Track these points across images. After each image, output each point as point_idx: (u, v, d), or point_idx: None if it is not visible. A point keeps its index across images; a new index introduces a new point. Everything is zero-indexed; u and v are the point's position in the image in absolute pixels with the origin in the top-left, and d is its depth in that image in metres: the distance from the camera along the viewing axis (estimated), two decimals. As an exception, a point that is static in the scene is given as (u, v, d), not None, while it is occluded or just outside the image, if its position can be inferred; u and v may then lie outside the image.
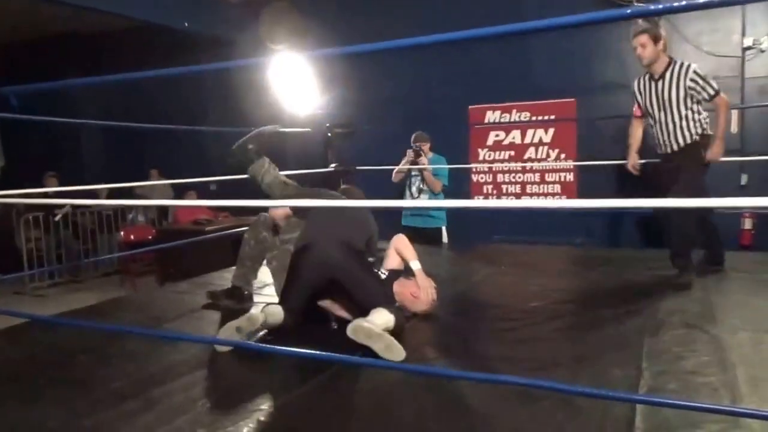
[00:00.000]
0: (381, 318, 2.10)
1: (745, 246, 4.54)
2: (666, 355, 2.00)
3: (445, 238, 4.38)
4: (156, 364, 2.07)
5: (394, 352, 1.99)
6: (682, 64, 2.84)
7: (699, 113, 2.89)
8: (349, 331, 2.02)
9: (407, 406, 1.69)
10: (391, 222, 3.95)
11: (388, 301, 2.26)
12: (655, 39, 2.80)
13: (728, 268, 3.18)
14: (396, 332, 2.12)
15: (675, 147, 2.95)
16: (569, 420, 1.56)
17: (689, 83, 2.81)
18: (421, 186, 4.19)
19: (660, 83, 2.88)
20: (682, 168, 2.87)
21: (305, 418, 1.65)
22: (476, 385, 1.75)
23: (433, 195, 4.20)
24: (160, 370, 2.01)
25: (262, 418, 1.63)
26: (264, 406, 1.70)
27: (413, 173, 4.25)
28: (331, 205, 2.58)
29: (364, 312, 2.16)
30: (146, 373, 1.98)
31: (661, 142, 3.01)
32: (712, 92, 2.82)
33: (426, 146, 4.24)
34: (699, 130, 2.89)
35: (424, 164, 4.13)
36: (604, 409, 1.59)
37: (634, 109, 3.14)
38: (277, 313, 2.19)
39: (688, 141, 2.90)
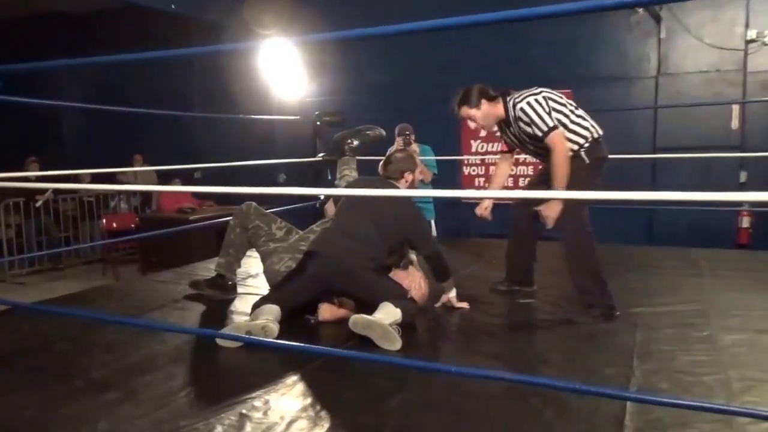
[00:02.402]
0: (386, 313, 2.13)
1: (742, 245, 4.56)
2: (658, 353, 1.99)
3: (434, 232, 4.35)
4: (137, 354, 2.02)
5: (391, 341, 2.04)
6: (515, 103, 2.43)
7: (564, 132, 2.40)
8: (351, 323, 2.09)
9: (393, 401, 1.66)
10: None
11: (394, 294, 2.24)
12: (475, 104, 2.45)
13: (725, 267, 3.18)
14: (405, 324, 2.17)
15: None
16: (558, 417, 1.55)
17: (521, 124, 2.43)
18: None
19: (510, 128, 2.55)
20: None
21: (289, 409, 1.61)
22: (464, 381, 1.73)
23: (423, 185, 4.16)
24: (141, 360, 1.96)
25: (244, 411, 1.59)
26: (247, 398, 1.67)
27: None
28: (357, 198, 2.48)
29: (371, 309, 2.17)
30: (127, 363, 1.94)
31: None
32: (544, 128, 2.35)
33: (412, 137, 4.22)
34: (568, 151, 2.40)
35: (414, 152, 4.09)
36: (594, 407, 1.58)
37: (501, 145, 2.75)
38: (276, 312, 2.18)
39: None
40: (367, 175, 2.93)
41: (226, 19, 5.89)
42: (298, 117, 5.43)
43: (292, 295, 2.27)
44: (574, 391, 1.56)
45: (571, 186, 2.32)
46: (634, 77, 5.05)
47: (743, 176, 4.62)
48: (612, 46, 5.09)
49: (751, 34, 4.56)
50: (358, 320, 2.07)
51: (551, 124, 2.37)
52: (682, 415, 1.50)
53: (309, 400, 1.67)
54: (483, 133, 5.57)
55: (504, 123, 2.57)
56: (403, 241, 2.48)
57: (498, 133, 2.73)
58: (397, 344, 2.04)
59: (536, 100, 2.40)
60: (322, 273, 2.27)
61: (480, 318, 2.43)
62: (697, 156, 4.12)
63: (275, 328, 2.09)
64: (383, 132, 3.02)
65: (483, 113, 2.50)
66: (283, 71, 5.76)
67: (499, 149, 2.79)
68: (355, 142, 2.93)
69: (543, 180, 2.55)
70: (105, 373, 1.85)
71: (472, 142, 5.62)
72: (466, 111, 2.52)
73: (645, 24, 4.95)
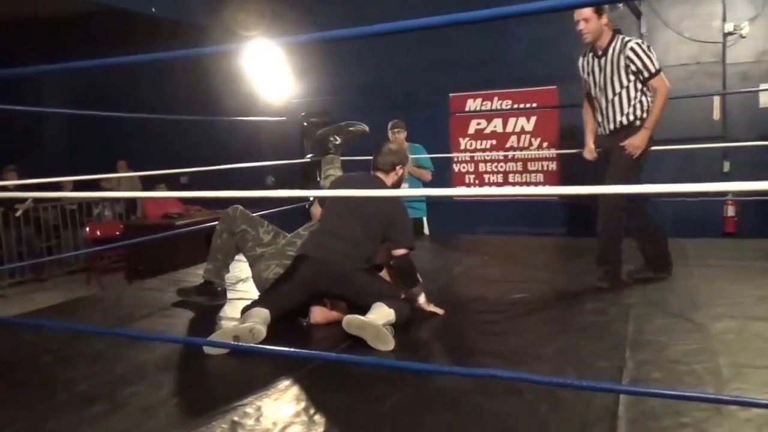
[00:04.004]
0: (379, 313, 2.11)
1: (728, 233, 4.62)
2: (649, 344, 2.00)
3: (426, 230, 4.36)
4: (123, 364, 1.98)
5: (384, 341, 2.02)
6: (623, 38, 2.61)
7: (643, 93, 2.61)
8: (344, 324, 2.07)
9: (388, 402, 1.64)
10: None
11: (387, 295, 2.22)
12: (599, 12, 2.58)
13: (712, 256, 3.21)
14: (399, 324, 2.15)
15: (611, 127, 2.67)
16: (553, 412, 1.55)
17: (628, 56, 2.55)
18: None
19: (603, 60, 2.65)
20: (612, 153, 2.62)
21: (282, 415, 1.58)
22: (458, 379, 1.73)
23: (419, 185, 4.20)
24: (128, 370, 1.92)
25: (236, 418, 1.56)
26: (238, 405, 1.64)
27: None
28: (342, 197, 2.46)
29: (365, 310, 2.15)
30: (113, 375, 1.90)
31: (600, 123, 2.74)
32: (652, 69, 2.55)
33: (402, 135, 4.23)
34: (638, 113, 2.61)
35: None
36: (587, 400, 1.59)
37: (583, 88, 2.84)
38: (267, 317, 2.14)
39: (624, 122, 2.62)
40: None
41: (209, 22, 5.82)
42: (284, 118, 5.38)
43: (283, 300, 2.24)
44: (565, 386, 1.58)
45: (629, 159, 2.57)
46: (617, 71, 5.10)
47: (727, 166, 4.69)
48: (594, 42, 5.13)
49: (729, 27, 4.64)
50: (351, 321, 2.05)
51: (658, 66, 2.58)
52: (675, 404, 1.51)
53: (302, 405, 1.64)
54: (471, 131, 5.59)
55: (596, 54, 2.68)
56: (384, 235, 2.42)
57: (580, 69, 2.82)
58: (390, 345, 2.02)
59: (648, 46, 2.61)
60: (313, 277, 2.24)
61: (472, 316, 2.43)
62: (681, 148, 4.17)
63: (263, 329, 2.06)
64: (366, 127, 2.98)
65: (599, 24, 2.60)
66: (267, 73, 5.72)
67: (583, 93, 2.89)
68: (339, 140, 2.87)
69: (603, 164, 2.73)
70: (91, 385, 1.81)
71: (460, 140, 5.63)
72: (588, 12, 2.58)
73: (626, 19, 5.00)
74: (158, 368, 1.93)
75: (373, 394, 1.70)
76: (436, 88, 5.51)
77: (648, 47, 2.60)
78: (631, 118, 2.62)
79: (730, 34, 4.65)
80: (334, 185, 2.65)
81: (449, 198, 5.07)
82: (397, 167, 2.55)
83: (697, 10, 4.72)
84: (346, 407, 1.65)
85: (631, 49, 2.56)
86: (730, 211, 4.67)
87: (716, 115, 4.71)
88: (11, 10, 6.60)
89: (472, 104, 5.55)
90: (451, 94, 5.59)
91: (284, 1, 5.77)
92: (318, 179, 3.06)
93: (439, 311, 2.41)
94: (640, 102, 2.62)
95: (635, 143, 2.58)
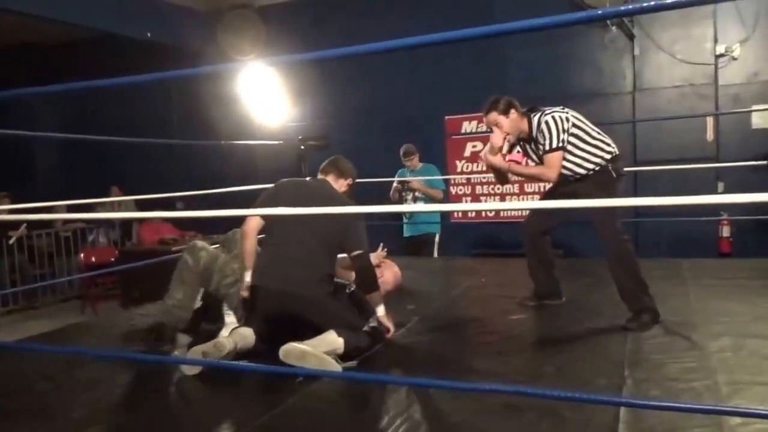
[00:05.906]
0: (321, 341, 2.01)
1: (724, 254, 4.61)
2: (648, 362, 2.00)
3: (435, 252, 4.44)
4: (120, 390, 1.96)
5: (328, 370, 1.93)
6: (538, 117, 2.50)
7: (580, 149, 2.48)
8: (281, 354, 1.93)
9: (388, 420, 1.62)
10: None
11: (342, 324, 2.12)
12: (504, 111, 2.51)
13: (708, 276, 3.22)
14: (351, 355, 2.04)
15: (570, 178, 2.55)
16: (553, 430, 1.54)
17: (541, 133, 2.47)
18: (417, 195, 4.44)
19: (532, 143, 2.58)
20: (592, 215, 2.49)
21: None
22: (460, 399, 1.72)
23: (432, 202, 4.36)
24: (124, 396, 1.91)
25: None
26: (240, 428, 1.62)
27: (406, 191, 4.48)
28: (301, 213, 2.10)
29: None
30: (109, 401, 1.88)
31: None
32: (548, 147, 2.44)
33: (415, 158, 4.45)
34: (588, 166, 2.48)
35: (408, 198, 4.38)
36: (587, 418, 1.58)
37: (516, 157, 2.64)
38: (248, 336, 2.09)
39: (582, 173, 2.51)
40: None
41: (204, 47, 5.91)
42: (281, 142, 5.42)
43: (263, 332, 2.16)
44: (564, 399, 1.56)
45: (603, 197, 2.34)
46: (611, 93, 5.18)
47: (721, 186, 4.71)
48: (589, 65, 5.22)
49: (720, 49, 4.71)
50: (290, 351, 1.91)
51: (557, 145, 2.45)
52: (674, 421, 1.51)
53: (303, 424, 1.63)
54: (468, 153, 5.64)
55: (526, 141, 2.61)
56: (339, 243, 2.29)
57: (518, 151, 2.70)
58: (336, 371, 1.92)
59: (560, 117, 2.47)
60: (279, 308, 2.17)
61: (471, 336, 2.42)
62: (676, 168, 4.21)
63: (228, 342, 2.00)
64: None
65: (511, 121, 2.54)
66: (264, 96, 5.78)
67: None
68: None
69: (554, 196, 2.62)
70: (88, 412, 1.78)
71: (457, 162, 5.68)
72: (494, 116, 2.54)
73: (619, 42, 5.10)
74: (156, 393, 1.90)
75: (371, 411, 1.69)
76: (432, 110, 5.58)
77: (560, 119, 2.45)
78: (583, 172, 2.50)
79: (721, 56, 4.72)
80: (274, 191, 2.46)
81: (447, 221, 5.10)
82: (347, 179, 2.45)
83: (689, 32, 4.79)
84: (344, 426, 1.64)
85: (540, 129, 2.48)
86: (725, 231, 4.67)
87: (710, 136, 4.75)
88: (4, 37, 6.68)
89: (467, 126, 5.61)
90: (446, 117, 5.66)
91: (279, 27, 5.89)
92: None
93: (391, 328, 2.29)
94: (583, 157, 2.49)
95: (491, 157, 2.55)
